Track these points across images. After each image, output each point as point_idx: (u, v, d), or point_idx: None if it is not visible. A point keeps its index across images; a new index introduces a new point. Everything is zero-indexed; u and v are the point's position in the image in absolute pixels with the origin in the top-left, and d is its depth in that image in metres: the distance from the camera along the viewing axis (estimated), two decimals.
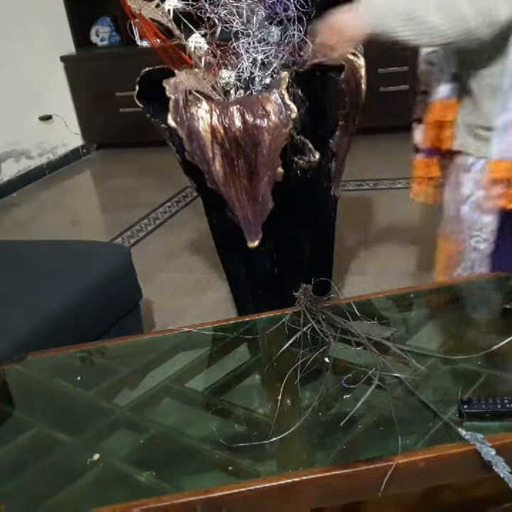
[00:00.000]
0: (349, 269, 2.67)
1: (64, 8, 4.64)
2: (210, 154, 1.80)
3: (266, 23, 1.88)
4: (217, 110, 1.76)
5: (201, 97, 1.78)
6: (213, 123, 1.76)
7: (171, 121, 1.78)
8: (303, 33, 1.91)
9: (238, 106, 1.75)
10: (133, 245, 3.22)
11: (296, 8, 1.87)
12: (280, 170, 1.80)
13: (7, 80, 4.18)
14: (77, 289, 1.94)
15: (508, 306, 1.42)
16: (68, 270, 2.02)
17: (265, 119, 1.73)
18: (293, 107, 1.72)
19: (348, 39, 1.53)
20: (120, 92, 4.33)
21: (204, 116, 1.76)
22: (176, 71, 1.81)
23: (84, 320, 1.91)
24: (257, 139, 1.75)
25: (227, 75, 1.86)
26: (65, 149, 4.72)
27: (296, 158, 1.86)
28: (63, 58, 4.67)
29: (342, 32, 1.51)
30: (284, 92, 1.73)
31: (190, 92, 1.75)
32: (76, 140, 4.79)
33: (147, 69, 1.96)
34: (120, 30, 4.67)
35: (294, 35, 1.89)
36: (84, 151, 4.85)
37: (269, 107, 1.73)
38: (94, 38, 4.81)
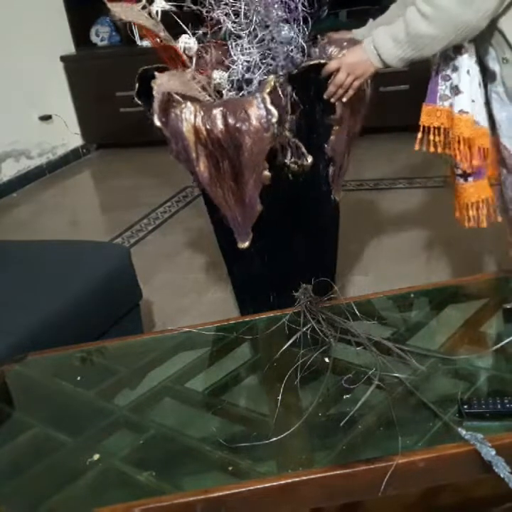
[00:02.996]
0: (349, 269, 2.67)
1: (64, 8, 4.63)
2: (194, 155, 1.83)
3: (280, 23, 1.86)
4: (200, 112, 1.77)
5: (186, 99, 1.78)
6: (196, 124, 1.77)
7: (156, 121, 1.81)
8: (308, 33, 1.90)
9: (222, 108, 1.76)
10: (133, 245, 3.21)
11: (304, 6, 1.86)
12: (266, 173, 1.80)
13: (7, 80, 4.17)
14: (77, 288, 1.94)
15: (508, 306, 1.42)
16: (68, 270, 2.02)
17: (246, 123, 1.73)
18: (274, 111, 1.72)
19: (361, 76, 1.68)
20: (120, 92, 4.31)
21: (188, 118, 1.78)
22: (156, 73, 1.82)
23: (84, 320, 1.90)
24: (239, 141, 1.76)
25: (217, 76, 1.86)
26: (65, 149, 4.72)
27: (288, 162, 1.86)
28: (63, 58, 4.66)
29: (354, 71, 1.68)
30: (266, 96, 1.72)
31: (171, 94, 1.76)
32: (76, 140, 4.79)
33: (145, 67, 1.96)
34: (120, 30, 4.66)
35: (301, 35, 1.89)
36: (84, 151, 4.85)
37: (251, 111, 1.72)
38: (94, 38, 4.81)
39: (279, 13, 1.84)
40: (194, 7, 1.82)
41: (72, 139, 4.74)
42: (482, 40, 1.57)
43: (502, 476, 1.00)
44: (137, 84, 1.95)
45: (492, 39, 1.56)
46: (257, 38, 1.83)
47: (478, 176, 1.73)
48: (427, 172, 3.49)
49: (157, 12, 1.79)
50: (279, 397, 1.24)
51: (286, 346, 1.38)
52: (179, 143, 1.82)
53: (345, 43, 1.95)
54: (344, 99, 1.75)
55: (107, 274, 2.04)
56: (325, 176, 1.94)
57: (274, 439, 1.14)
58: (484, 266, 2.46)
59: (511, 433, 1.08)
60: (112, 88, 4.47)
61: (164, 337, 1.57)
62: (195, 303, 2.62)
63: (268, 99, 1.72)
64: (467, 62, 1.59)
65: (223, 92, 1.88)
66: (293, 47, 1.89)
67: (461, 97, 1.62)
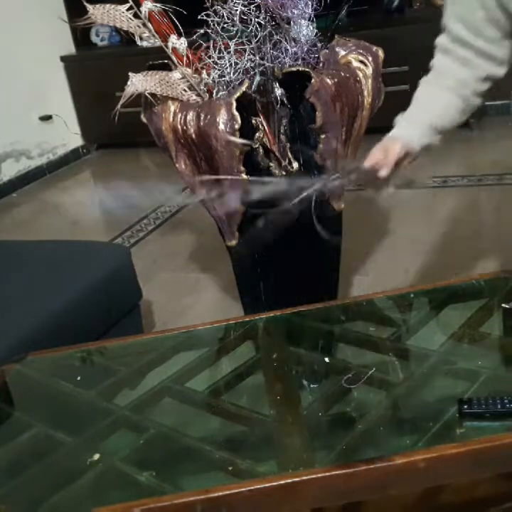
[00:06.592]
0: (350, 269, 2.67)
1: (64, 8, 4.63)
2: (174, 153, 1.88)
3: (301, 20, 1.86)
4: (178, 112, 1.81)
5: (168, 98, 1.82)
6: (174, 124, 1.82)
7: (143, 118, 1.93)
8: (313, 33, 1.90)
9: (198, 110, 1.78)
10: (133, 245, 3.21)
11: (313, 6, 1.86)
12: (244, 176, 1.81)
13: (7, 80, 4.17)
14: (77, 288, 1.94)
15: (508, 306, 1.42)
16: (68, 270, 2.02)
17: (214, 127, 1.74)
18: (237, 118, 1.72)
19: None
20: (120, 92, 4.31)
21: (167, 117, 1.83)
22: (130, 73, 1.85)
23: (84, 320, 1.90)
24: (210, 144, 1.77)
25: (205, 77, 1.87)
26: (65, 149, 4.72)
27: (272, 166, 1.86)
28: (63, 58, 4.66)
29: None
30: (233, 101, 1.73)
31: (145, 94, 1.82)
32: (76, 140, 4.79)
33: (151, 62, 1.97)
34: (120, 30, 4.66)
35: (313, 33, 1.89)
36: (84, 151, 4.85)
37: (218, 115, 1.74)
38: (94, 38, 4.81)
39: (295, 11, 1.83)
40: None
41: (72, 139, 4.74)
42: None
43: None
44: None
45: None
46: (257, 39, 1.83)
47: None
48: (427, 172, 3.48)
49: (145, 14, 1.79)
50: (279, 397, 1.24)
51: (286, 346, 1.38)
52: (161, 140, 1.90)
53: (352, 47, 1.95)
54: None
55: (107, 274, 2.04)
56: None
57: (275, 439, 1.14)
58: (484, 266, 2.46)
59: (511, 433, 1.08)
60: (112, 88, 4.46)
61: (164, 337, 1.57)
62: (195, 303, 2.62)
63: (234, 105, 1.72)
64: None
65: (214, 91, 1.88)
66: (302, 46, 1.88)
67: None
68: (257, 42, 1.82)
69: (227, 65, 1.82)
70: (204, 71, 1.88)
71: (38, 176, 4.47)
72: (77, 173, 4.61)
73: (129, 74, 1.81)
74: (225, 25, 1.81)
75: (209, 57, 1.86)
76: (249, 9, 1.78)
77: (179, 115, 1.81)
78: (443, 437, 1.08)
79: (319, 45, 1.95)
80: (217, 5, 1.81)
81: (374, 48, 1.96)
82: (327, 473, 1.04)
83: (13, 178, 4.33)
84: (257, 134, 1.83)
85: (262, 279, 2.06)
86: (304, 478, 1.04)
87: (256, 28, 1.80)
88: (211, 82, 1.87)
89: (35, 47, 4.39)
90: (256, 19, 1.79)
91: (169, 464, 1.15)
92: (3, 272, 2.03)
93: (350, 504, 1.13)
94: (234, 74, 1.83)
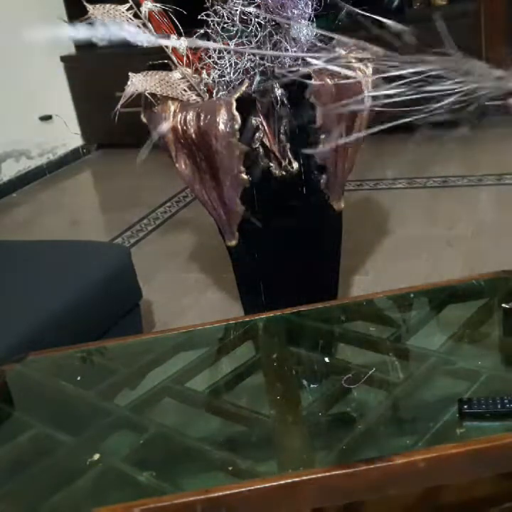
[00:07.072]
0: (350, 269, 2.67)
1: (64, 8, 4.63)
2: (174, 153, 1.89)
3: (301, 20, 1.86)
4: (178, 112, 1.81)
5: (168, 98, 1.83)
6: (174, 124, 1.82)
7: (143, 118, 1.94)
8: (312, 33, 1.90)
9: (198, 110, 1.78)
10: (133, 245, 3.21)
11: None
12: (244, 176, 1.81)
13: (7, 80, 4.18)
14: (77, 289, 1.94)
15: (508, 306, 1.42)
16: (68, 270, 2.02)
17: (214, 127, 1.74)
18: (237, 118, 1.73)
19: None
20: (120, 92, 4.31)
21: (167, 117, 1.84)
22: (129, 73, 1.85)
23: (84, 320, 1.90)
24: (210, 144, 1.78)
25: (205, 77, 1.87)
26: (65, 149, 4.72)
27: (272, 166, 1.86)
28: (63, 58, 4.66)
29: None
30: (233, 101, 1.73)
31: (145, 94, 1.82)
32: (76, 140, 4.79)
33: (151, 62, 1.97)
34: None
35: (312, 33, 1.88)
36: (84, 151, 4.85)
37: (218, 115, 1.74)
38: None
39: (295, 11, 1.83)
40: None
41: (72, 139, 4.74)
42: None
43: None
44: None
45: None
46: (256, 39, 1.83)
47: None
48: (427, 172, 3.49)
49: (145, 13, 1.79)
50: (279, 397, 1.24)
51: (286, 346, 1.38)
52: (161, 140, 1.89)
53: (353, 47, 1.95)
54: None
55: (107, 273, 2.04)
56: (317, 183, 1.93)
57: (275, 439, 1.14)
58: (484, 266, 2.46)
59: (511, 433, 1.08)
60: (112, 88, 4.46)
61: (164, 337, 1.57)
62: (195, 303, 2.62)
63: (234, 105, 1.72)
64: None
65: (214, 91, 1.88)
66: (302, 46, 1.88)
67: None
68: (257, 42, 1.82)
69: (227, 65, 1.82)
70: (204, 71, 1.88)
71: (38, 176, 4.47)
72: (77, 173, 4.60)
73: (129, 74, 1.81)
74: (225, 25, 1.81)
75: (209, 57, 1.86)
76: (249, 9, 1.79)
77: (179, 115, 1.81)
78: (443, 437, 1.08)
79: (319, 45, 1.95)
80: (217, 5, 1.81)
81: (374, 48, 1.95)
82: (327, 473, 1.04)
83: (13, 178, 4.33)
84: (257, 134, 1.83)
85: (262, 279, 2.06)
86: (304, 478, 1.04)
87: (256, 28, 1.80)
88: (211, 82, 1.87)
89: (35, 47, 4.38)
90: (256, 19, 1.79)
91: (169, 464, 1.15)
92: (3, 272, 2.03)
93: (350, 504, 1.13)
94: (234, 74, 1.83)
